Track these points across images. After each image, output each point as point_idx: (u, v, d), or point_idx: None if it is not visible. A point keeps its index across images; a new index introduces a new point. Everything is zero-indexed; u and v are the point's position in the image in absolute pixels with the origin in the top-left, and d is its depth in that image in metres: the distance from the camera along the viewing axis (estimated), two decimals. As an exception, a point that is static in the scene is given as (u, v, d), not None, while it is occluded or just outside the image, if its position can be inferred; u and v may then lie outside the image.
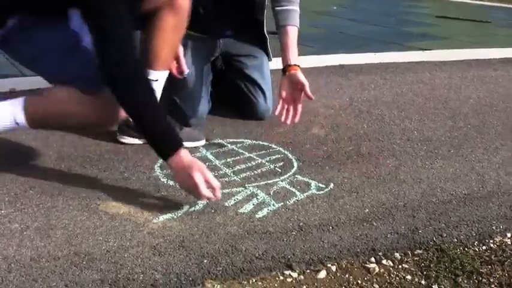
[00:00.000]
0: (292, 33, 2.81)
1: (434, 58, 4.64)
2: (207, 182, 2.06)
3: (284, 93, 2.72)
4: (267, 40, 3.07)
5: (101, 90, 2.15)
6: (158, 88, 2.47)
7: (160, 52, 2.41)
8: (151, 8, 2.37)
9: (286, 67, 2.75)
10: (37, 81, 3.41)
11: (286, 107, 2.72)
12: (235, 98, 3.06)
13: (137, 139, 2.56)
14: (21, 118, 2.20)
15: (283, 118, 2.73)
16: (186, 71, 2.68)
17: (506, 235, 2.06)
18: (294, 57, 2.77)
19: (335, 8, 7.56)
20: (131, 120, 2.24)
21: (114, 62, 2.07)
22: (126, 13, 2.09)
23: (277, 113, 2.73)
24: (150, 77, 2.39)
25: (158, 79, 2.46)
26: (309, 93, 2.69)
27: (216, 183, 2.08)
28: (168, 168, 2.32)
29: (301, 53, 2.90)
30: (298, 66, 2.76)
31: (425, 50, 5.05)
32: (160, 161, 2.44)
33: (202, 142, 2.66)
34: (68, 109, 2.22)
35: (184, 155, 2.07)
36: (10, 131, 2.27)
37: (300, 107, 2.72)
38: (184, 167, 2.06)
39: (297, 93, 2.71)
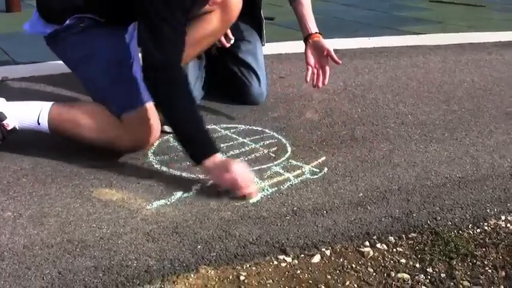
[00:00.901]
0: (307, 3, 2.90)
1: (428, 42, 4.63)
2: (241, 177, 2.07)
3: (312, 61, 2.85)
4: (263, 22, 3.06)
5: (125, 113, 2.28)
6: None
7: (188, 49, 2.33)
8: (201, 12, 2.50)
9: (308, 36, 2.86)
10: (32, 70, 3.43)
11: (315, 72, 2.86)
12: (229, 83, 3.05)
13: None
14: (45, 117, 2.31)
15: (314, 83, 2.88)
16: (233, 38, 2.82)
17: (500, 218, 2.05)
18: (313, 25, 2.88)
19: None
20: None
21: (161, 65, 2.13)
22: (182, 18, 2.17)
23: (308, 79, 2.86)
24: None
25: None
26: (336, 58, 2.80)
27: (250, 177, 2.13)
28: (160, 155, 2.34)
29: (295, 38, 2.90)
30: (320, 33, 2.86)
31: (420, 34, 5.04)
32: (154, 147, 2.45)
33: None
34: (85, 121, 2.31)
35: (217, 158, 2.11)
36: (30, 127, 2.34)
37: (328, 70, 2.86)
38: (218, 166, 2.09)
39: (324, 59, 2.85)
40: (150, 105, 2.29)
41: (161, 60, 2.12)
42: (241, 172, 2.08)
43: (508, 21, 5.95)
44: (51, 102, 2.35)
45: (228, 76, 3.02)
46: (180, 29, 2.17)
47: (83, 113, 2.31)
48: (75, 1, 2.31)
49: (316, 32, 2.85)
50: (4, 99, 2.37)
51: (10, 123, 2.31)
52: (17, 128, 2.33)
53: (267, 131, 2.67)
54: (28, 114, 2.32)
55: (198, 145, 2.13)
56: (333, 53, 2.79)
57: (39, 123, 2.32)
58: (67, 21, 2.30)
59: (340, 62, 2.84)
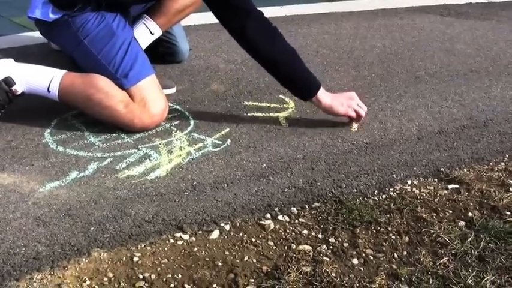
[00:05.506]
0: None
1: (340, 9, 4.59)
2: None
3: None
4: None
5: (136, 85, 2.29)
6: (149, 41, 2.67)
7: (170, 15, 2.68)
8: None
9: None
10: None
11: None
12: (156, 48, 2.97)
13: None
14: (56, 85, 2.29)
15: None
16: None
17: (406, 182, 2.03)
18: None
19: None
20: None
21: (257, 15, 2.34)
22: None
23: None
24: (150, 28, 2.66)
25: (155, 33, 2.68)
26: None
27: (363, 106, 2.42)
28: (57, 134, 2.24)
29: (204, 9, 2.79)
30: None
31: (332, 1, 4.99)
32: (51, 127, 2.33)
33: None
34: (97, 96, 2.27)
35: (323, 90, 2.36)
36: (39, 93, 2.32)
37: None
38: (337, 96, 2.39)
39: None
40: (153, 76, 2.37)
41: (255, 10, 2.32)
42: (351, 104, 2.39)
43: (420, -14, 5.98)
44: (63, 71, 2.32)
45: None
46: None
47: (90, 85, 2.28)
48: None
49: None
50: (12, 59, 2.33)
51: (19, 88, 2.30)
52: (25, 93, 2.33)
53: (170, 104, 2.55)
54: (39, 80, 2.31)
55: (307, 81, 2.37)
56: None
57: (49, 91, 2.30)
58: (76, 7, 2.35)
59: None
